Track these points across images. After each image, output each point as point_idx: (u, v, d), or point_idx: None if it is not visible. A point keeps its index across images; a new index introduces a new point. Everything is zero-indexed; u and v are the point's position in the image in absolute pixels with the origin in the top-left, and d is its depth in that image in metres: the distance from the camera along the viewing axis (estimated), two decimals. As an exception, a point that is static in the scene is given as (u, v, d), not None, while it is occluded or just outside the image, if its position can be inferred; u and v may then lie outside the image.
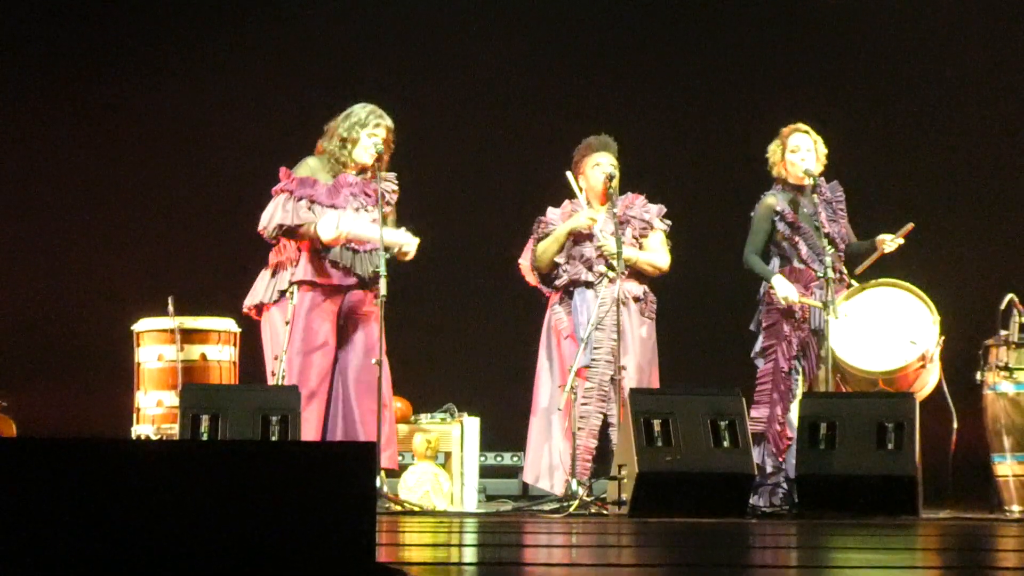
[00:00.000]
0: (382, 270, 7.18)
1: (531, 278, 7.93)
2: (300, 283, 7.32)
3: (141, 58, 10.11)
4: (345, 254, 7.34)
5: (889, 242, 7.74)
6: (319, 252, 7.32)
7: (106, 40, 10.13)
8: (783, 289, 7.67)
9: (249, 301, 7.43)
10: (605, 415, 7.61)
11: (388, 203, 7.50)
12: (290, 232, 7.29)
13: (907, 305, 7.67)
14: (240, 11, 10.24)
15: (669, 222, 7.93)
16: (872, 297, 7.71)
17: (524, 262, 7.95)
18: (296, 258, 7.35)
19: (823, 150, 7.85)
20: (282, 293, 7.32)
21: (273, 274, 7.38)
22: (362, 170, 7.45)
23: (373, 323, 7.33)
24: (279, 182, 7.37)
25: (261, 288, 7.39)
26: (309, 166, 7.44)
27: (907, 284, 7.69)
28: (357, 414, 7.32)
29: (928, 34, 9.99)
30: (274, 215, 7.30)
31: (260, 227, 7.35)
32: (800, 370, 7.72)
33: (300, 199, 7.29)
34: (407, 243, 7.35)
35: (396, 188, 7.54)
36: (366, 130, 7.45)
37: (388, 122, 7.49)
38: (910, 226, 7.75)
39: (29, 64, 10.08)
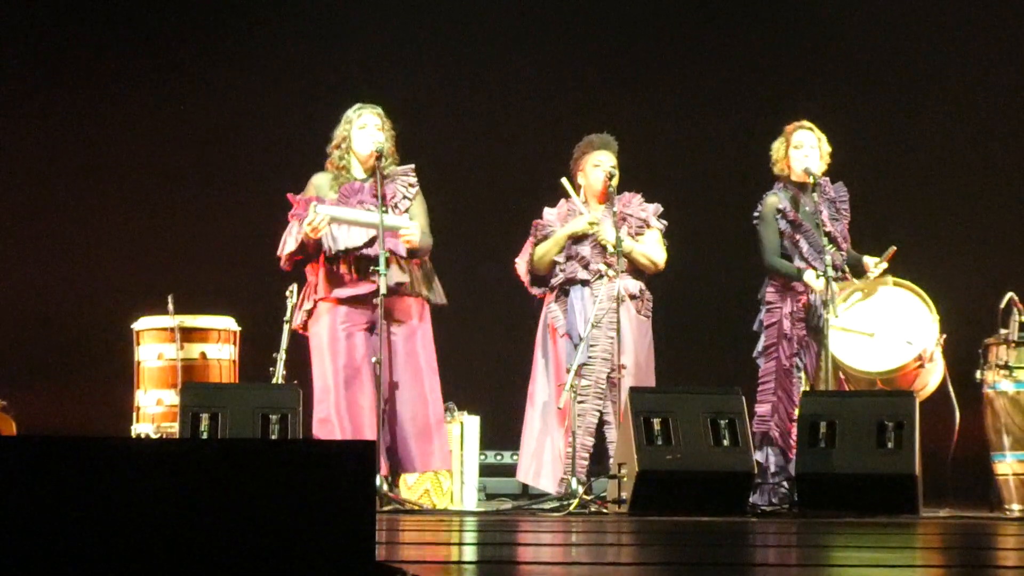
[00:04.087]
0: (381, 268, 7.18)
1: (527, 279, 7.92)
2: (321, 300, 7.35)
3: (143, 57, 10.11)
4: (360, 263, 7.32)
5: (873, 267, 7.74)
6: (333, 268, 7.33)
7: (109, 39, 10.12)
8: (816, 283, 7.62)
9: (295, 322, 7.52)
10: (601, 413, 7.61)
11: (407, 197, 7.49)
12: (299, 254, 7.33)
13: (907, 305, 7.67)
14: (241, 12, 10.23)
15: (665, 222, 7.92)
16: (873, 297, 7.71)
17: (520, 263, 7.94)
18: (316, 279, 7.38)
19: (827, 148, 7.86)
20: (308, 313, 7.37)
21: (303, 294, 7.44)
22: (375, 163, 7.42)
23: (411, 323, 7.38)
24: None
25: (298, 308, 7.46)
26: (314, 184, 7.46)
27: (907, 283, 7.69)
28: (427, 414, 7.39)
29: (929, 33, 9.99)
30: (283, 244, 7.34)
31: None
32: (801, 367, 7.73)
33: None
34: (405, 226, 7.33)
35: (414, 181, 7.53)
36: (356, 124, 7.47)
37: (377, 109, 7.50)
38: (892, 250, 7.75)
39: (33, 62, 10.08)
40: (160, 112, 10.05)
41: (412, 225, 7.35)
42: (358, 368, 7.31)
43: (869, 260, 7.77)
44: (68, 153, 10.11)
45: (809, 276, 7.65)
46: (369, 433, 7.24)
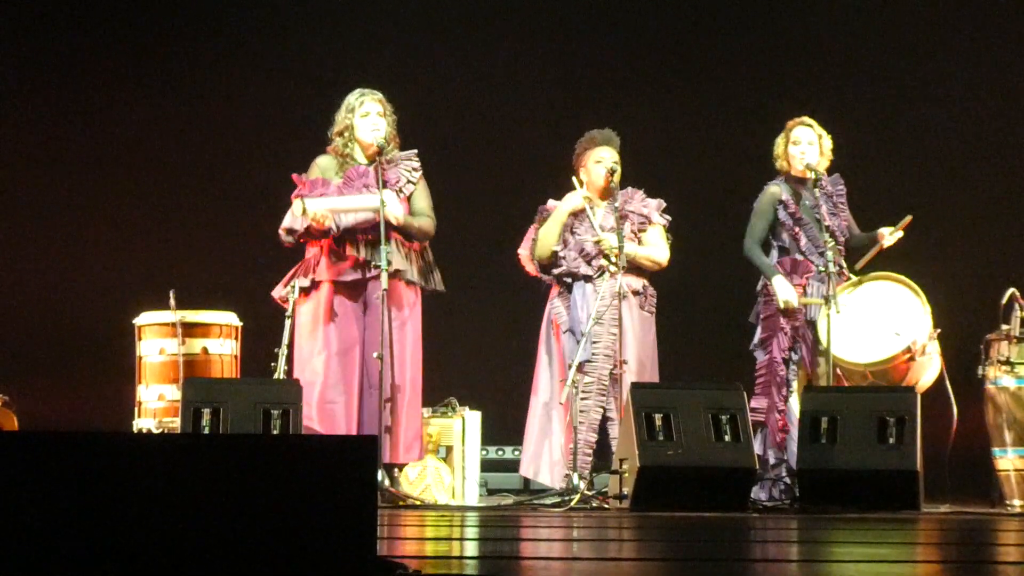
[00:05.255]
0: (383, 263, 7.20)
1: (530, 267, 7.93)
2: (321, 282, 7.37)
3: (143, 53, 10.11)
4: (363, 248, 7.35)
5: (888, 236, 7.77)
6: (336, 249, 7.37)
7: (109, 35, 10.13)
8: (783, 292, 7.66)
9: (275, 292, 7.50)
10: (604, 409, 7.62)
11: (411, 182, 7.51)
12: (304, 236, 7.35)
13: (899, 298, 7.66)
14: (240, 7, 10.24)
15: (668, 217, 7.92)
16: (865, 290, 7.71)
17: (524, 251, 7.95)
18: (318, 257, 7.40)
19: (828, 144, 7.85)
20: (305, 291, 7.38)
21: (297, 269, 7.43)
22: (377, 155, 7.44)
23: (403, 311, 7.39)
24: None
25: (287, 281, 7.46)
26: (319, 166, 7.49)
27: (900, 276, 7.68)
28: (401, 406, 7.39)
29: (930, 29, 9.98)
30: (284, 222, 7.38)
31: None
32: (796, 361, 7.73)
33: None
34: (390, 203, 7.33)
35: (417, 165, 7.56)
36: (359, 111, 7.49)
37: (377, 95, 7.52)
38: (908, 219, 7.77)
39: (32, 59, 10.08)
40: (161, 106, 10.06)
41: (395, 204, 7.36)
42: (346, 351, 7.35)
43: (884, 229, 7.79)
44: (68, 147, 10.11)
45: (778, 282, 7.66)
46: (345, 419, 7.28)
